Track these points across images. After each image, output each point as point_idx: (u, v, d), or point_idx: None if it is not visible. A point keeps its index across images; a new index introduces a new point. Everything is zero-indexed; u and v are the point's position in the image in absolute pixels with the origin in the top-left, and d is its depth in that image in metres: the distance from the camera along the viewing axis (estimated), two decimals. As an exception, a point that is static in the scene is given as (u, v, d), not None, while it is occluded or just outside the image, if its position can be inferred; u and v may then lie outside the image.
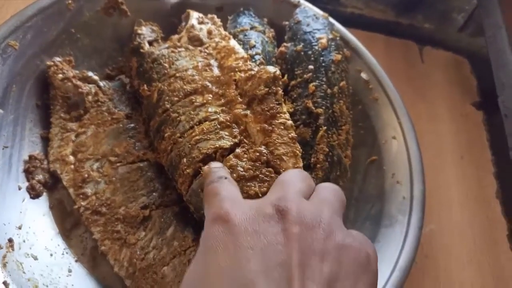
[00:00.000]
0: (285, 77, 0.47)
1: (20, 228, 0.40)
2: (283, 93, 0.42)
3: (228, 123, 0.40)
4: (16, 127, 0.43)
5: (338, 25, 0.55)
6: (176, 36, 0.49)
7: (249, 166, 0.37)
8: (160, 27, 0.52)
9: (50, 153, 0.45)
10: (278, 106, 0.40)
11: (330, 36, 0.50)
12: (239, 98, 0.41)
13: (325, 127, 0.43)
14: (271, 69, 0.42)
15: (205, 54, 0.46)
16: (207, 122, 0.40)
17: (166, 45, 0.47)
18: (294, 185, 0.32)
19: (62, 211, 0.43)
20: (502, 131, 0.55)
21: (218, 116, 0.40)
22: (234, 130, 0.40)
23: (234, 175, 0.36)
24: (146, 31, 0.50)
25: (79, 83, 0.47)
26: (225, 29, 0.51)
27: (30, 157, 0.44)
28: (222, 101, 0.42)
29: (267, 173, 0.37)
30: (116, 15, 0.51)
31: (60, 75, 0.46)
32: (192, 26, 0.48)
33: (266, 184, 0.36)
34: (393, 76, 0.54)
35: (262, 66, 0.43)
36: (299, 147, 0.39)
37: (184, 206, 0.42)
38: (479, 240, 0.55)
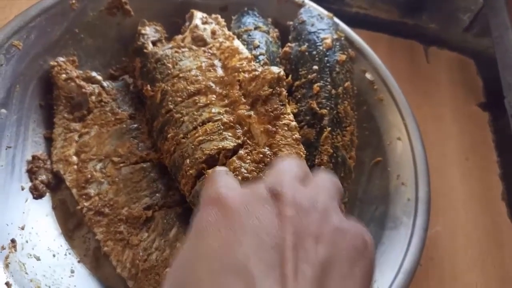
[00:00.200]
0: (289, 78, 0.47)
1: (23, 228, 0.40)
2: (287, 93, 0.42)
3: (232, 124, 0.40)
4: (20, 127, 0.43)
5: (342, 25, 0.55)
6: (179, 36, 0.49)
7: (253, 168, 0.37)
8: (164, 27, 0.52)
9: (53, 154, 0.45)
10: (282, 107, 0.40)
11: (335, 36, 0.49)
12: (242, 99, 0.41)
13: (330, 128, 0.43)
14: (275, 69, 0.42)
15: (209, 54, 0.46)
16: (210, 123, 0.40)
17: (170, 45, 0.47)
18: (290, 170, 0.31)
19: (65, 212, 0.43)
20: (508, 132, 0.55)
21: (222, 116, 0.40)
22: (238, 131, 0.39)
23: (239, 177, 0.36)
24: (150, 31, 0.50)
25: (82, 83, 0.47)
26: (229, 29, 0.51)
27: (33, 157, 0.43)
28: (226, 101, 0.41)
29: (270, 174, 0.37)
30: (120, 15, 0.51)
31: (64, 75, 0.46)
32: (196, 26, 0.48)
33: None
34: (398, 77, 0.53)
35: (266, 67, 0.43)
36: (303, 148, 0.39)
37: (187, 207, 0.42)
38: (484, 242, 0.55)
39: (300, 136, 0.39)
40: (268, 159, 0.37)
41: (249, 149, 0.38)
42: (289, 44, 0.50)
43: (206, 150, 0.39)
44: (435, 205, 0.48)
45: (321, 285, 0.24)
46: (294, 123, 0.40)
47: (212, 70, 0.44)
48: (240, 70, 0.43)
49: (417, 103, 0.58)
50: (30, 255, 0.39)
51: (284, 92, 0.41)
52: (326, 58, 0.47)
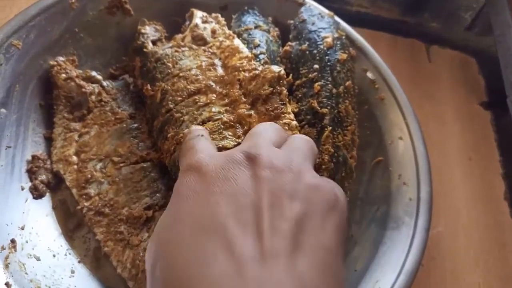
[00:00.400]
0: (290, 77, 0.47)
1: (22, 228, 0.39)
2: (287, 92, 0.42)
3: (232, 123, 0.40)
4: (19, 127, 0.43)
5: (343, 24, 0.55)
6: (179, 36, 0.48)
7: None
8: (164, 27, 0.51)
9: (53, 153, 0.44)
10: (282, 106, 0.40)
11: (336, 35, 0.49)
12: (243, 98, 0.41)
13: (331, 128, 0.43)
14: (276, 68, 0.41)
15: (209, 53, 0.46)
16: (210, 122, 0.40)
17: (170, 45, 0.47)
18: (265, 134, 0.33)
19: (65, 212, 0.43)
20: (510, 131, 0.54)
21: (222, 116, 0.40)
22: (238, 130, 0.39)
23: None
24: (150, 31, 0.50)
25: (82, 82, 0.47)
26: (229, 28, 0.51)
27: (33, 157, 0.43)
28: (226, 101, 0.41)
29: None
30: (120, 14, 0.51)
31: (64, 75, 0.46)
32: (196, 25, 0.48)
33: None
34: (400, 76, 0.53)
35: (266, 66, 0.43)
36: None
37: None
38: (486, 242, 0.54)
39: (300, 136, 0.39)
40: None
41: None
42: (289, 43, 0.50)
43: (206, 150, 0.38)
44: (437, 205, 0.47)
45: (296, 239, 0.26)
46: (294, 123, 0.40)
47: (212, 69, 0.44)
48: (241, 69, 0.43)
49: (419, 102, 0.58)
50: (30, 255, 0.38)
51: (285, 91, 0.41)
52: (327, 57, 0.47)
